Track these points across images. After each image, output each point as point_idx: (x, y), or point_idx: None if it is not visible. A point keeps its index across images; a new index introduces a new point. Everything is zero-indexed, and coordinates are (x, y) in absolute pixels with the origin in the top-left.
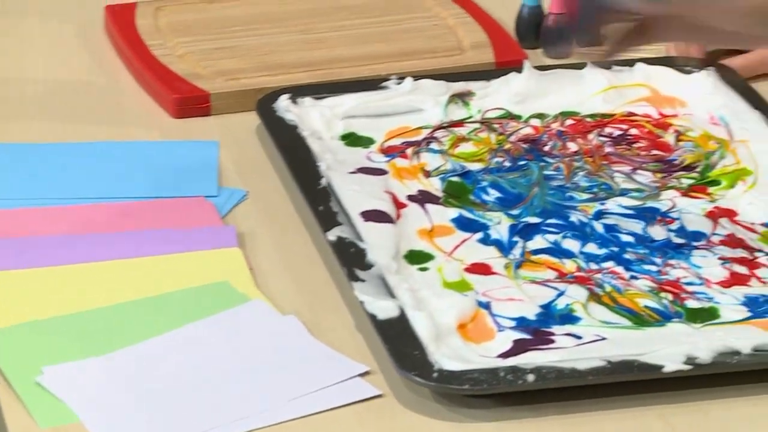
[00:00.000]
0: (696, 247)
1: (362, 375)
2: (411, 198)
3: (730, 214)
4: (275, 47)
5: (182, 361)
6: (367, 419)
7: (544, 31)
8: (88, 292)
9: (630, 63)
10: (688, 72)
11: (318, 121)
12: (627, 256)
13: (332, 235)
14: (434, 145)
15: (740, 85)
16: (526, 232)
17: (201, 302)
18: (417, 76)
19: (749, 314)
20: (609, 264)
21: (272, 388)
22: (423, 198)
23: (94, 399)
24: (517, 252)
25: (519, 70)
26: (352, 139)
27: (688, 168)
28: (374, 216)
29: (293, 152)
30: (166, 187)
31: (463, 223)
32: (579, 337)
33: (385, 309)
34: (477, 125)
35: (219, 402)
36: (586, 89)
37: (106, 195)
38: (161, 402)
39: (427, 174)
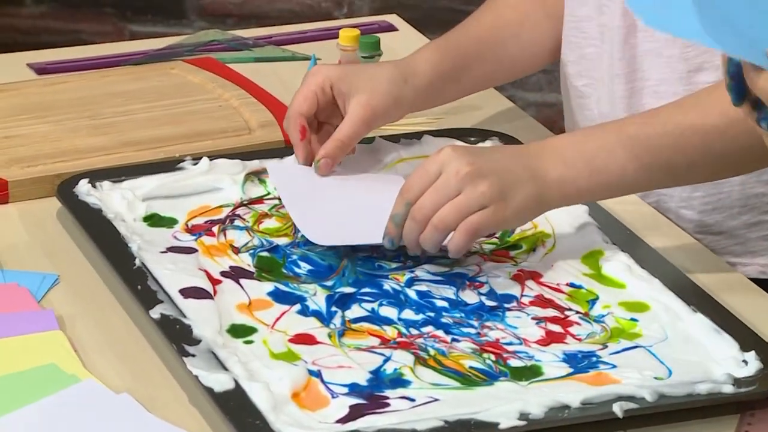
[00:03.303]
0: (508, 309)
1: None
2: (224, 274)
3: (535, 276)
4: (65, 133)
5: None
6: None
7: None
8: None
9: (418, 136)
10: (475, 142)
11: (120, 203)
12: (444, 320)
13: (155, 313)
14: (238, 222)
15: None
16: (343, 301)
17: (30, 386)
18: (212, 156)
19: (571, 370)
20: (429, 328)
21: None
22: (236, 274)
23: None
24: (337, 321)
25: None
26: (154, 220)
27: (488, 234)
28: (193, 293)
29: (101, 235)
30: None
31: (279, 296)
32: (413, 400)
33: (221, 382)
34: (277, 201)
35: None
36: (379, 162)
37: None
38: None
39: (237, 250)
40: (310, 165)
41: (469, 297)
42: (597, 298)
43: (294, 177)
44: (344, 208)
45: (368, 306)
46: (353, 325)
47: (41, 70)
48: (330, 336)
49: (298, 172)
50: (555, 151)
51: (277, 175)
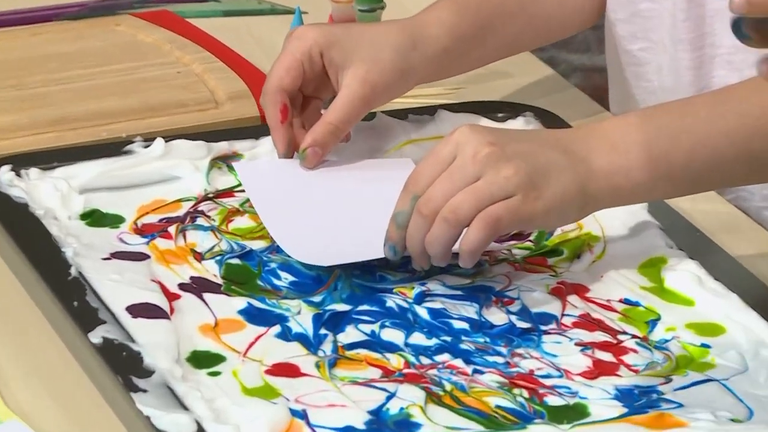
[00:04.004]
0: (546, 332)
1: None
2: (184, 287)
3: (579, 290)
4: None
5: None
6: None
7: None
8: None
9: (431, 111)
10: (503, 119)
11: (51, 197)
12: (464, 346)
13: (95, 336)
14: (201, 221)
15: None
16: (335, 322)
17: None
18: (168, 137)
19: (625, 410)
20: (444, 357)
21: None
22: (199, 286)
23: None
24: (327, 347)
25: None
26: (95, 218)
27: (519, 236)
28: (144, 311)
29: (27, 237)
30: None
31: (254, 315)
32: None
33: (179, 424)
34: None
35: None
36: (381, 145)
37: None
38: None
39: (199, 257)
40: (292, 156)
41: (496, 317)
42: (659, 319)
43: (271, 178)
44: (336, 215)
45: (367, 328)
46: (348, 353)
47: None
48: (318, 366)
49: (276, 171)
50: (603, 134)
51: (249, 176)
